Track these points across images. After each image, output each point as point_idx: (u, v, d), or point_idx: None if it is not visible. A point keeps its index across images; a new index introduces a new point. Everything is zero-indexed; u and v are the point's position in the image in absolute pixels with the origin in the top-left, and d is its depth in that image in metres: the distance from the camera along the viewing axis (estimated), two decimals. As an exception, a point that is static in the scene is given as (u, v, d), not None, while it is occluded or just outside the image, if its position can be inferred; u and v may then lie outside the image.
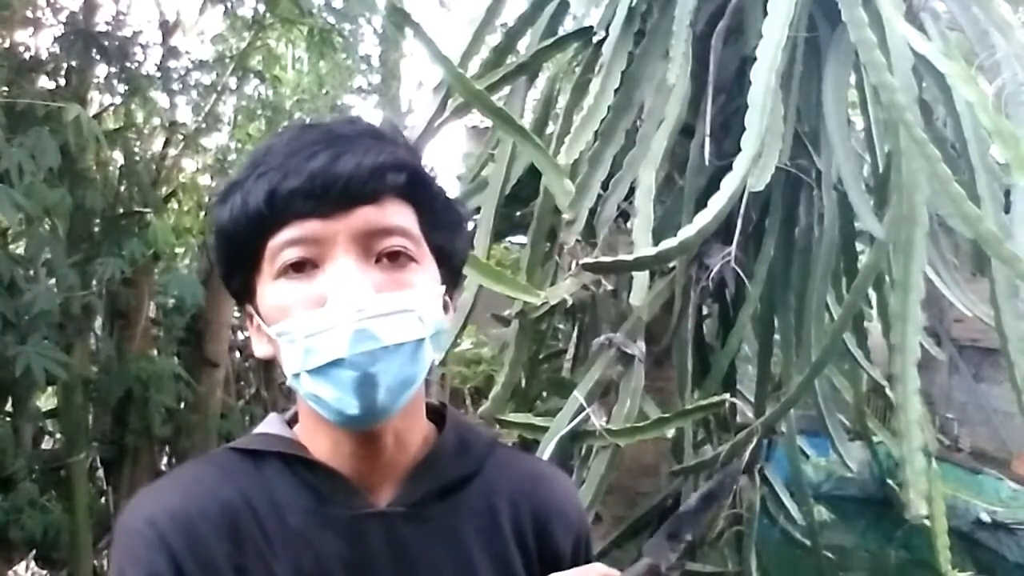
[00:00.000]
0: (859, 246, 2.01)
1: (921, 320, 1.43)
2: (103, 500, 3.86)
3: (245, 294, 0.72)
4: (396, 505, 0.72)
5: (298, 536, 0.69)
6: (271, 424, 0.77)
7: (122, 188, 3.56)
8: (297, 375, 0.66)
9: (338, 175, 0.65)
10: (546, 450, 1.67)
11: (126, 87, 3.48)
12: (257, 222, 0.66)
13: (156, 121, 3.93)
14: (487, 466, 0.77)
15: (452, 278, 0.75)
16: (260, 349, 0.72)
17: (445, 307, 0.72)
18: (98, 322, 3.67)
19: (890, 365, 1.45)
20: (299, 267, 0.66)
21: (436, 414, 0.79)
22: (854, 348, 2.03)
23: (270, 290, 0.68)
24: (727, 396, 1.68)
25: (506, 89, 1.96)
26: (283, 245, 0.66)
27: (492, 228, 1.89)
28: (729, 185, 1.32)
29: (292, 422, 0.77)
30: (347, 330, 0.63)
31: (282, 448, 0.72)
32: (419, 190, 0.70)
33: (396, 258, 0.67)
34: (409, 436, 0.73)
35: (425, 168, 0.72)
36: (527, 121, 2.00)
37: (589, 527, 0.86)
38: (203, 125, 3.99)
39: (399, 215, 0.68)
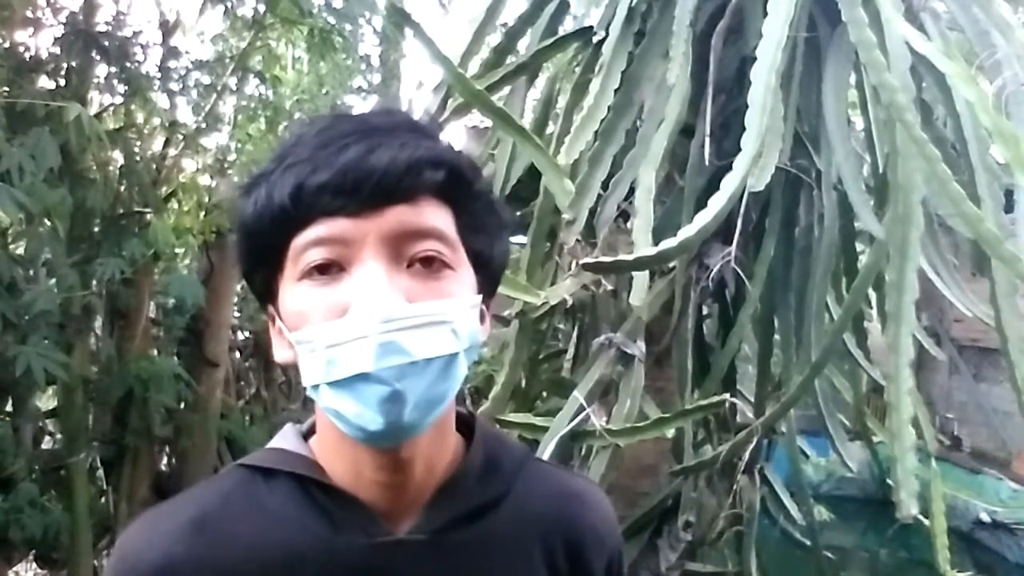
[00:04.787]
0: (859, 246, 2.01)
1: (915, 321, 1.43)
2: (103, 500, 3.86)
3: (267, 295, 0.66)
4: (417, 532, 0.66)
5: (309, 568, 0.64)
6: (286, 438, 0.72)
7: (122, 188, 3.56)
8: (316, 387, 0.61)
9: (371, 170, 0.59)
10: (546, 450, 1.67)
11: (126, 87, 3.48)
12: (282, 218, 0.61)
13: (156, 121, 3.93)
14: (516, 484, 0.72)
15: (490, 286, 0.69)
16: (281, 354, 0.66)
17: (482, 317, 0.67)
18: (98, 322, 3.67)
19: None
20: (324, 269, 0.61)
21: (464, 424, 0.74)
22: (854, 348, 2.03)
23: (291, 293, 0.62)
24: (727, 396, 1.68)
25: (506, 89, 1.96)
26: (308, 245, 0.60)
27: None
28: (729, 185, 1.32)
29: (308, 434, 0.72)
30: (372, 342, 0.57)
31: (296, 468, 0.67)
32: (458, 189, 0.64)
33: (430, 264, 0.62)
34: (438, 458, 0.68)
35: (466, 165, 0.65)
36: (527, 121, 2.00)
37: (622, 543, 0.82)
38: (203, 125, 3.99)
39: (435, 216, 0.62)
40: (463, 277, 0.64)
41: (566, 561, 0.73)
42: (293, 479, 0.66)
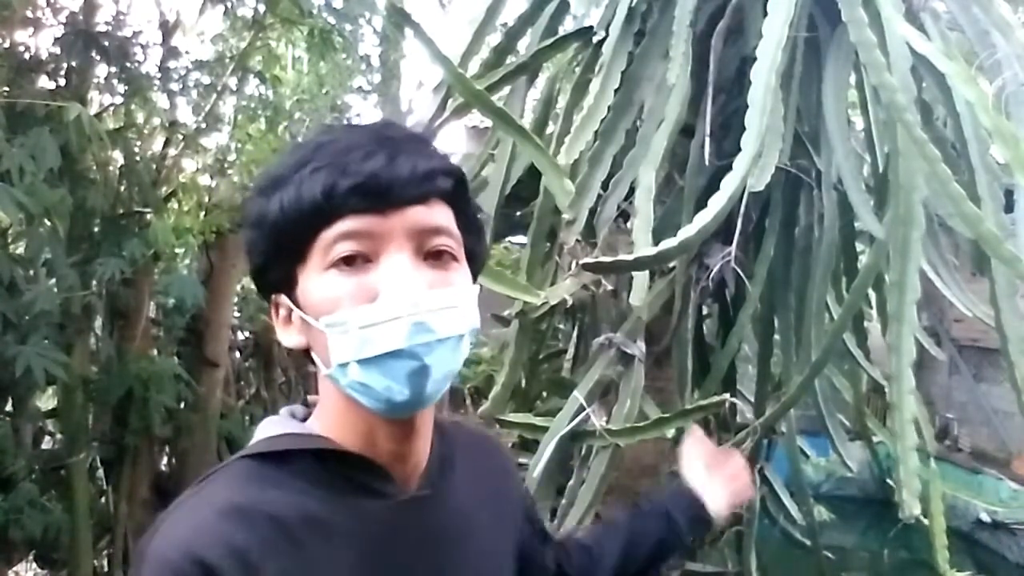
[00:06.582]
0: (859, 246, 2.01)
1: (916, 321, 1.43)
2: (103, 500, 3.86)
3: (283, 285, 0.73)
4: (423, 489, 0.77)
5: (346, 531, 0.71)
6: (284, 425, 0.78)
7: (122, 188, 3.56)
8: (344, 365, 0.68)
9: (395, 176, 0.68)
10: (546, 450, 1.67)
11: (126, 87, 3.48)
12: (312, 215, 0.69)
13: (156, 121, 3.93)
14: (455, 438, 0.86)
15: (475, 278, 0.79)
16: (290, 339, 0.74)
17: None
18: (98, 322, 3.67)
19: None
20: (350, 261, 0.69)
21: None
22: (854, 348, 2.03)
23: (319, 282, 0.70)
24: (727, 396, 1.68)
25: (506, 89, 1.96)
26: (338, 238, 0.68)
27: (492, 228, 1.89)
28: (729, 185, 1.31)
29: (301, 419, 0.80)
30: (406, 322, 0.66)
31: (316, 445, 0.73)
32: (460, 194, 0.75)
33: (440, 257, 0.72)
34: (430, 424, 0.79)
35: (464, 175, 0.77)
36: (527, 121, 1.99)
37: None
38: (203, 125, 3.99)
39: (444, 216, 0.72)
40: (464, 269, 0.75)
41: (503, 492, 0.90)
42: (309, 457, 0.72)
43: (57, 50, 3.22)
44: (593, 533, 1.13)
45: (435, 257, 0.71)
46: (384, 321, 0.66)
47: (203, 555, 0.63)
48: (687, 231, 1.31)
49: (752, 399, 1.98)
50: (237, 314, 4.87)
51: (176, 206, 4.13)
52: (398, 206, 0.69)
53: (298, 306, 0.72)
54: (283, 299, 0.74)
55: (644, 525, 1.10)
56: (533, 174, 1.83)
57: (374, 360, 0.67)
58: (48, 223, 3.02)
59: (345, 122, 4.97)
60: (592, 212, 1.67)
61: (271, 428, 0.78)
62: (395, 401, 0.68)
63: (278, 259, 0.72)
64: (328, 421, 0.75)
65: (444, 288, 0.70)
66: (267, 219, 0.71)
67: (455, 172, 0.74)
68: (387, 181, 0.68)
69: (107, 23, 3.42)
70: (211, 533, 0.65)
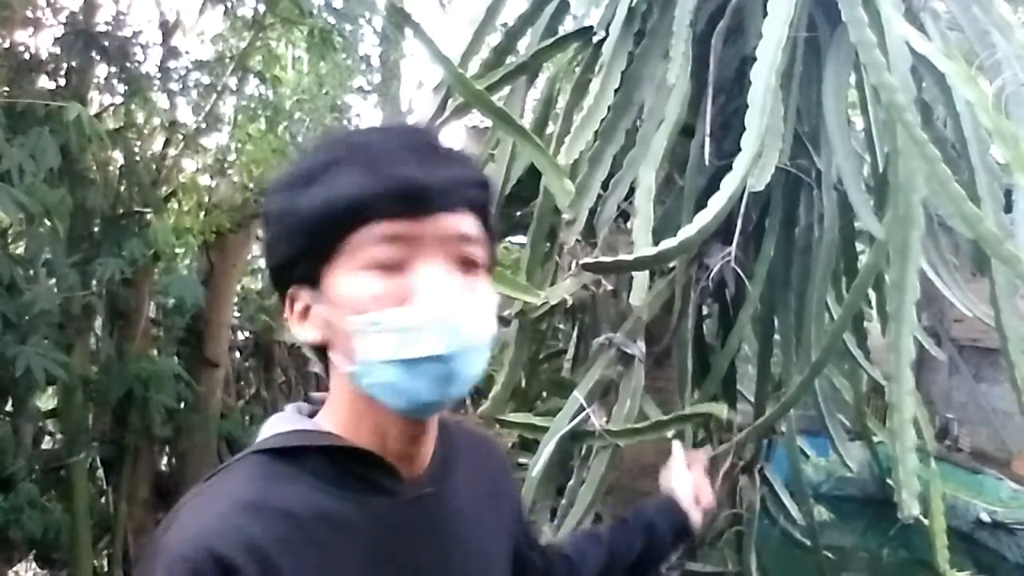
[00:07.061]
0: (859, 246, 2.01)
1: (916, 321, 1.43)
2: (103, 500, 3.86)
3: (304, 281, 0.73)
4: (429, 487, 0.78)
5: (357, 527, 0.71)
6: (294, 420, 0.79)
7: (122, 188, 3.57)
8: (370, 363, 0.69)
9: (430, 183, 0.69)
10: (546, 450, 1.67)
11: (126, 87, 3.48)
12: (345, 216, 0.69)
13: (156, 121, 3.93)
14: (456, 438, 0.87)
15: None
16: (306, 334, 0.74)
17: None
18: (98, 322, 3.68)
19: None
20: (382, 263, 0.69)
21: None
22: (854, 348, 2.03)
23: (349, 281, 0.69)
24: (726, 406, 1.69)
25: (506, 89, 1.96)
26: (372, 240, 0.69)
27: (492, 228, 1.89)
28: (729, 185, 1.31)
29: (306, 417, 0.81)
30: (441, 328, 0.68)
31: (328, 442, 0.73)
32: (486, 204, 0.76)
33: (467, 265, 0.73)
34: (436, 425, 0.80)
35: (490, 184, 0.78)
36: (527, 121, 1.99)
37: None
38: (203, 125, 3.99)
39: (471, 224, 0.73)
40: (486, 277, 0.76)
41: (500, 491, 0.91)
42: (320, 453, 0.73)
43: (57, 50, 3.22)
44: (574, 543, 1.13)
45: (464, 264, 0.72)
46: (419, 325, 0.67)
47: (218, 549, 0.63)
48: (687, 231, 1.31)
49: (752, 399, 1.98)
50: (237, 314, 4.88)
51: (176, 206, 4.14)
52: (431, 212, 0.69)
53: (321, 303, 0.72)
54: (303, 294, 0.73)
55: (627, 535, 1.13)
56: (533, 174, 1.83)
57: (405, 362, 0.68)
58: (48, 223, 3.03)
59: (346, 123, 4.96)
60: (592, 212, 1.67)
61: (280, 424, 0.78)
62: (419, 402, 0.70)
63: (304, 256, 0.72)
64: (338, 418, 0.76)
65: (472, 296, 0.72)
66: (294, 215, 0.71)
67: (484, 182, 0.76)
68: (422, 187, 0.69)
69: (107, 23, 3.43)
70: (226, 527, 0.65)
